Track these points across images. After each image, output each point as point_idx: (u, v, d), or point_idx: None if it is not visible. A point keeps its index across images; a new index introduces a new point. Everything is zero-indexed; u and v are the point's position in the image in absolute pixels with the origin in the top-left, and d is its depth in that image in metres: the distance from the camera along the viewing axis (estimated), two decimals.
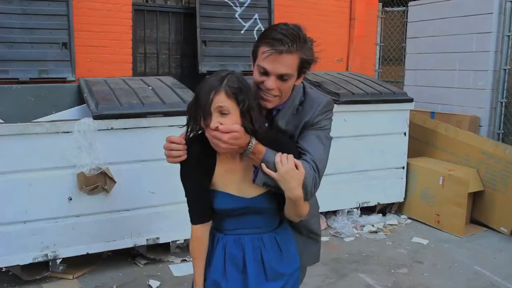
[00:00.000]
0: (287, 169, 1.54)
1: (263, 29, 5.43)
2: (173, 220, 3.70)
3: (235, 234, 1.72)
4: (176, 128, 3.57)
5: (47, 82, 4.31)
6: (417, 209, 4.95)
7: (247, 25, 5.36)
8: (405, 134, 4.91)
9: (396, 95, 4.83)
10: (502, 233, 4.52)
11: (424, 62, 5.90)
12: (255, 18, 5.40)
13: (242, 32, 5.35)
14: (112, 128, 3.42)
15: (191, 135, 1.69)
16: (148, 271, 3.66)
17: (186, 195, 1.73)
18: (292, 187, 1.55)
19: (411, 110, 4.92)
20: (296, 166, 1.56)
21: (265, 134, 1.63)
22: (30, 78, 4.30)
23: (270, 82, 1.63)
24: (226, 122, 1.54)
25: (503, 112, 5.14)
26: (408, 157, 4.98)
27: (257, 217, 1.71)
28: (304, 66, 1.66)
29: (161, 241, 3.74)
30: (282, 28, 1.62)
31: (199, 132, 1.67)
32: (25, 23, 4.26)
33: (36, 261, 3.31)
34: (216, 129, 1.53)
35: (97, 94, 3.65)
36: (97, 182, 3.36)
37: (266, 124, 1.74)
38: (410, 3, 6.16)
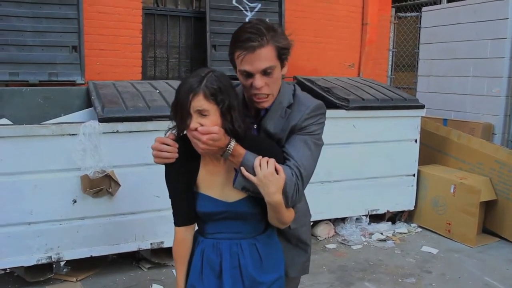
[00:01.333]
0: (266, 174, 1.51)
1: None
2: None
3: (214, 238, 1.68)
4: None
5: (56, 85, 4.35)
6: (428, 218, 4.85)
7: None
8: (416, 141, 4.83)
9: (407, 101, 4.75)
10: None
11: (437, 68, 5.81)
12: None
13: None
14: (117, 131, 3.43)
15: (176, 135, 1.67)
16: (151, 275, 3.65)
17: (170, 196, 1.72)
18: (271, 192, 1.52)
19: (422, 117, 4.83)
20: (277, 171, 1.52)
21: (246, 135, 1.60)
22: (39, 81, 4.34)
23: (257, 81, 1.60)
24: (206, 123, 1.51)
25: None
26: (419, 164, 4.89)
27: (238, 222, 1.66)
28: (282, 53, 1.63)
29: (166, 245, 3.72)
30: (246, 27, 1.61)
31: (184, 132, 1.65)
32: (36, 26, 4.30)
33: (40, 263, 3.32)
34: (196, 129, 1.51)
35: (103, 97, 3.66)
36: (102, 185, 3.36)
37: (255, 126, 1.73)
38: (423, 9, 6.08)
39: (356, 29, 6.04)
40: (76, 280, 3.48)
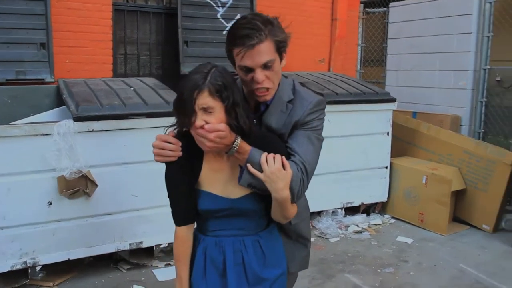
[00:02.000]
0: (273, 170, 1.50)
1: None
2: (156, 224, 3.63)
3: (216, 236, 1.66)
4: (159, 129, 3.57)
5: (24, 83, 4.19)
6: (401, 209, 4.97)
7: (229, 25, 5.31)
8: (388, 134, 4.94)
9: (379, 95, 4.84)
10: (485, 231, 4.57)
11: (405, 62, 5.94)
12: (237, 19, 5.35)
13: (224, 32, 5.29)
14: (93, 130, 3.34)
15: (178, 132, 1.65)
16: (131, 276, 3.58)
17: (170, 195, 1.67)
18: (279, 188, 1.51)
19: (393, 110, 4.94)
20: (284, 166, 1.52)
21: (251, 132, 1.59)
22: (6, 80, 4.16)
23: (258, 75, 1.60)
24: (211, 120, 1.50)
25: (483, 111, 5.21)
26: (391, 157, 5.00)
27: (241, 219, 1.65)
28: (280, 46, 1.63)
29: (145, 245, 3.66)
30: (242, 23, 1.60)
31: (185, 129, 1.63)
32: (1, 23, 4.12)
33: (14, 268, 3.20)
34: (202, 127, 1.49)
35: (77, 95, 3.55)
36: (78, 186, 3.27)
37: (254, 121, 1.70)
38: (391, 4, 6.21)
39: (326, 25, 6.10)
40: (53, 285, 3.38)
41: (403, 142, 5.35)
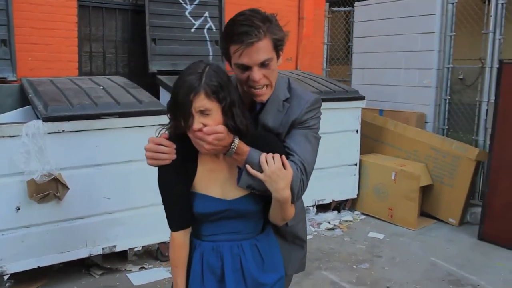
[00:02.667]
0: (274, 169, 1.48)
1: (213, 27, 5.34)
2: (130, 227, 3.54)
3: (213, 241, 1.61)
4: (132, 129, 3.48)
5: None
6: (370, 205, 5.06)
7: (197, 23, 5.24)
8: (357, 131, 5.01)
9: (348, 93, 4.91)
10: (451, 224, 4.72)
11: (371, 61, 6.05)
12: (206, 16, 5.29)
13: (192, 30, 5.22)
14: (63, 131, 3.20)
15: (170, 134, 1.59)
16: (105, 282, 3.47)
17: (165, 200, 1.61)
18: (280, 187, 1.49)
19: (362, 108, 5.02)
20: (284, 166, 1.50)
21: (248, 131, 1.56)
22: None
23: (255, 74, 1.56)
24: (208, 122, 1.46)
25: (447, 108, 5.37)
26: (360, 154, 5.08)
27: (238, 221, 1.61)
28: (278, 44, 1.60)
29: (118, 249, 3.56)
30: (240, 20, 1.55)
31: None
32: None
33: None
34: (199, 130, 1.45)
35: (44, 94, 3.40)
36: (49, 189, 3.13)
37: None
38: (356, 3, 6.30)
39: (293, 23, 6.12)
40: None
41: (370, 139, 5.45)
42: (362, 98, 4.95)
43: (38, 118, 3.17)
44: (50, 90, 3.51)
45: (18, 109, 3.68)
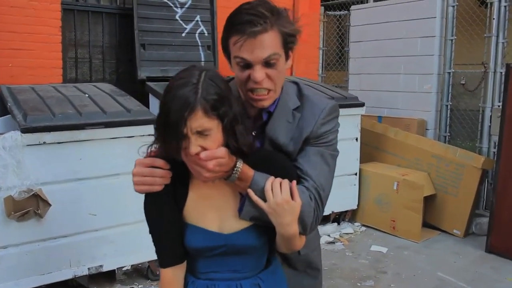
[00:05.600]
0: (280, 201, 1.23)
1: (205, 32, 5.11)
2: (118, 245, 3.29)
3: (210, 279, 1.36)
4: (120, 140, 3.24)
5: None
6: (371, 216, 4.84)
7: (188, 27, 5.01)
8: (356, 139, 4.81)
9: (348, 100, 4.70)
10: (456, 236, 4.52)
11: (368, 66, 5.86)
12: (197, 20, 5.06)
13: (183, 34, 4.99)
14: (44, 143, 2.95)
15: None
16: None
17: (153, 231, 1.36)
18: (285, 223, 1.25)
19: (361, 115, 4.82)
20: (292, 195, 1.25)
21: (252, 151, 1.30)
22: None
23: (257, 73, 1.29)
24: (208, 145, 1.20)
25: (448, 115, 5.19)
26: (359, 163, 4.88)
27: (237, 258, 1.35)
28: (288, 41, 1.34)
29: (105, 268, 3.30)
30: (246, 8, 1.30)
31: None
32: None
33: None
34: (197, 155, 1.20)
35: (24, 103, 3.15)
36: (28, 207, 2.87)
37: (254, 133, 1.39)
38: (352, 7, 6.12)
39: None
40: None
41: (370, 147, 5.24)
42: (361, 104, 4.75)
43: (16, 129, 2.92)
44: (30, 99, 3.26)
45: None
